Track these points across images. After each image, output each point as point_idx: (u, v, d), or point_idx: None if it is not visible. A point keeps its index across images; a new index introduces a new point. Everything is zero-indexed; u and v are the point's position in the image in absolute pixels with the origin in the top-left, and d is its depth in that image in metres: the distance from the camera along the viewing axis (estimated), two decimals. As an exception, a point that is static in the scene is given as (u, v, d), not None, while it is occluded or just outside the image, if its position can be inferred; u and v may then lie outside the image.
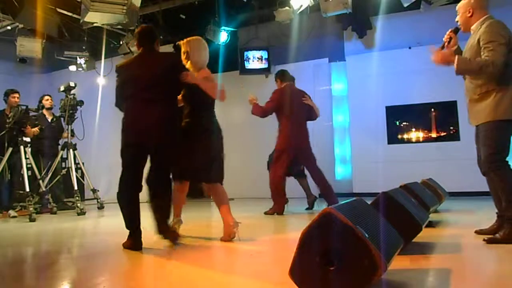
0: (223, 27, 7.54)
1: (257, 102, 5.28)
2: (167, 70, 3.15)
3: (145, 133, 3.03)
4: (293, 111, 5.19)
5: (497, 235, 2.84)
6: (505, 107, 2.83)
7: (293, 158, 5.21)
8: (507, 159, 2.89)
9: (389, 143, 7.22)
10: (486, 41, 2.81)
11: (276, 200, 5.24)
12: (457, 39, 3.17)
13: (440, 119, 7.08)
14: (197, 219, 4.99)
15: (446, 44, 3.16)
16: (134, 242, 3.05)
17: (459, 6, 3.10)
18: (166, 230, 3.07)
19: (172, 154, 3.16)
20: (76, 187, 5.96)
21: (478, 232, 3.03)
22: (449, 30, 3.16)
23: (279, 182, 5.22)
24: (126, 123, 3.15)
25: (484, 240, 2.82)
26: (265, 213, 5.23)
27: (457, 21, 3.12)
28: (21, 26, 6.49)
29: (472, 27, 3.00)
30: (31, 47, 6.94)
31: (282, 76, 5.39)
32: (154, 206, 3.11)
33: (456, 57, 2.84)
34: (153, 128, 3.04)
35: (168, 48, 6.93)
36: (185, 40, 3.50)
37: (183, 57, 3.45)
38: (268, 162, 5.75)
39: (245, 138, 7.91)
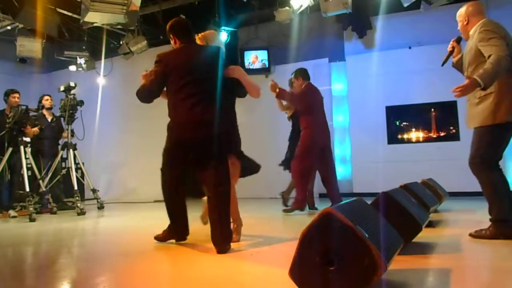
0: (223, 27, 7.53)
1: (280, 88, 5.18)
2: (216, 63, 3.04)
3: (199, 129, 2.91)
4: (320, 109, 5.21)
5: (483, 231, 2.93)
6: (504, 110, 2.84)
7: (318, 156, 5.10)
8: (495, 162, 2.93)
9: (389, 143, 7.22)
10: (484, 40, 2.84)
11: (299, 193, 5.05)
12: (460, 48, 3.22)
13: (440, 119, 7.08)
14: (196, 219, 4.98)
15: (449, 53, 3.24)
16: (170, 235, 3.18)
17: (458, 15, 3.14)
18: (215, 239, 2.88)
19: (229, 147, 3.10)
20: (76, 187, 5.96)
21: (473, 235, 3.02)
22: (452, 40, 3.22)
23: (304, 173, 5.02)
24: (177, 119, 2.98)
25: (470, 234, 2.96)
26: (284, 210, 5.11)
27: (459, 30, 3.17)
28: (21, 26, 6.49)
29: (470, 33, 3.05)
30: (31, 47, 6.93)
31: (305, 74, 5.32)
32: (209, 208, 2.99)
33: (476, 78, 2.73)
34: (208, 125, 2.91)
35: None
36: (200, 34, 3.38)
37: None
38: (286, 160, 5.56)
39: (245, 138, 7.89)
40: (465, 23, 3.06)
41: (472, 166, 2.97)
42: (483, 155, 2.91)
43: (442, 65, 3.26)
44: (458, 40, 3.22)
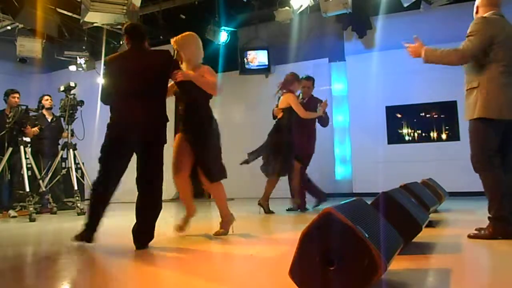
0: (223, 27, 7.53)
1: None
2: (159, 66, 3.15)
3: (134, 129, 3.01)
4: None
5: (481, 231, 2.93)
6: (486, 104, 2.86)
7: None
8: (494, 157, 2.91)
9: (389, 143, 7.22)
10: (467, 33, 2.90)
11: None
12: None
13: (440, 119, 7.08)
14: (196, 219, 4.97)
15: None
16: (84, 234, 3.14)
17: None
18: (140, 234, 3.02)
19: (160, 152, 3.14)
20: (76, 187, 5.95)
21: (471, 236, 3.01)
22: None
23: None
24: (114, 118, 3.11)
25: (468, 236, 2.93)
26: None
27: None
28: (21, 26, 6.49)
29: None
30: (31, 47, 6.93)
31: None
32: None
33: (424, 48, 3.03)
34: (142, 125, 3.03)
35: (168, 48, 6.95)
36: (174, 38, 3.46)
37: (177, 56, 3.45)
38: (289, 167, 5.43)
39: (245, 138, 7.90)
40: (474, 12, 3.08)
41: (472, 165, 3.00)
42: (477, 154, 2.95)
43: None
44: None
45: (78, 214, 5.66)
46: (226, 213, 3.53)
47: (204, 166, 3.35)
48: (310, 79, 5.54)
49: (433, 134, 7.09)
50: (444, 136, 7.02)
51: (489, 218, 2.92)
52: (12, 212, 5.76)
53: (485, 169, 2.92)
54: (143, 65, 3.10)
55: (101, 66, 8.51)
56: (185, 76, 3.19)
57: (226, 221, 3.52)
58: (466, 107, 3.02)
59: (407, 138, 7.24)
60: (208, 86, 3.30)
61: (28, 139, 6.04)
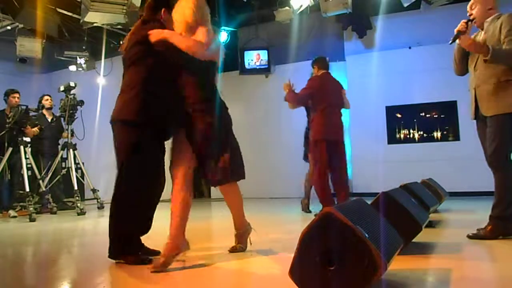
0: (223, 27, 7.53)
1: (293, 89, 4.69)
2: None
3: None
4: (329, 101, 4.77)
5: (480, 231, 2.91)
6: None
7: (328, 150, 4.69)
8: None
9: (389, 143, 7.22)
10: (507, 30, 2.79)
11: (327, 204, 4.41)
12: (469, 32, 3.00)
13: (440, 119, 7.08)
14: (196, 219, 4.97)
15: (461, 32, 2.94)
16: None
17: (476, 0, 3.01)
18: None
19: None
20: (76, 187, 5.96)
21: (471, 237, 2.99)
22: (464, 21, 2.97)
23: (323, 181, 4.55)
24: None
25: (468, 236, 2.91)
26: None
27: (471, 14, 3.01)
28: (21, 26, 6.49)
29: (486, 21, 2.96)
30: (31, 47, 6.94)
31: (320, 63, 4.88)
32: None
33: (489, 48, 2.75)
34: None
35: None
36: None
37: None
38: (305, 152, 5.28)
39: (245, 138, 7.89)
40: (488, 8, 2.94)
41: (491, 162, 2.88)
42: (501, 151, 2.83)
43: (451, 43, 3.04)
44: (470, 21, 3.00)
45: (78, 214, 5.67)
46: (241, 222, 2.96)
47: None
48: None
49: (433, 134, 7.09)
50: (444, 136, 7.02)
51: (490, 217, 2.91)
52: (12, 212, 5.76)
53: (506, 168, 2.84)
54: None
55: (101, 66, 8.51)
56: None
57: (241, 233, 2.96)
58: (498, 99, 2.83)
59: (407, 138, 7.24)
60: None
61: (28, 139, 6.04)
